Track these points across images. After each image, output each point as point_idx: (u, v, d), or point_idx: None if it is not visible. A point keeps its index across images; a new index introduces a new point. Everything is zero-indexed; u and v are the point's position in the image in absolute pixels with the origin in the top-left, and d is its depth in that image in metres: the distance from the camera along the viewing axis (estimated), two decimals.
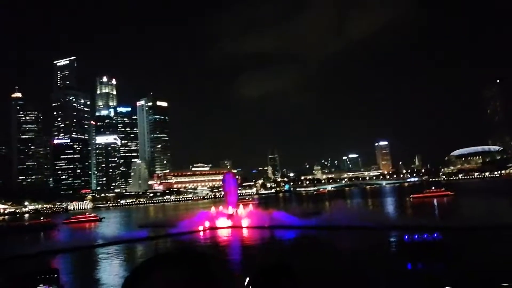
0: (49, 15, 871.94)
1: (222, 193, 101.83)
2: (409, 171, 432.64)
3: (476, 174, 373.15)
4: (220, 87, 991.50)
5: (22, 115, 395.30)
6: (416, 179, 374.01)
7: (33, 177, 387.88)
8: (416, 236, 37.77)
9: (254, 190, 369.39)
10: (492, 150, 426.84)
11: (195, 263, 1.57)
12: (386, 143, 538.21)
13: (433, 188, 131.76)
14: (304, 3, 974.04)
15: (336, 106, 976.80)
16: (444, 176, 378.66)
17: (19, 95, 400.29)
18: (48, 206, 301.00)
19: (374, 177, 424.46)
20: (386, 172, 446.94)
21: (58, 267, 42.16)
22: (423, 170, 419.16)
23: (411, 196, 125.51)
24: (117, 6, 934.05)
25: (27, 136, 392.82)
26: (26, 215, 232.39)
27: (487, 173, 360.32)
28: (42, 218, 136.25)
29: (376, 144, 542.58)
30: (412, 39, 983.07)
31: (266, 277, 2.07)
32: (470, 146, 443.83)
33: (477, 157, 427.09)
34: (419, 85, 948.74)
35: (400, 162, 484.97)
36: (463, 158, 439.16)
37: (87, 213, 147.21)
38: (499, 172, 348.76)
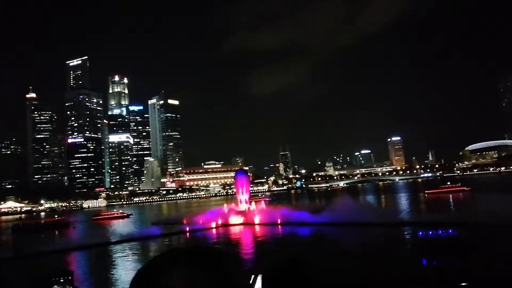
0: (59, 16, 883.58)
1: (234, 190, 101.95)
2: (422, 166, 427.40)
3: (491, 169, 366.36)
4: (231, 83, 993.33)
5: (37, 115, 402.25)
6: (430, 174, 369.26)
7: (49, 176, 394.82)
8: (430, 232, 37.26)
9: (266, 187, 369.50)
10: (508, 145, 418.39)
11: (207, 258, 1.57)
12: (399, 138, 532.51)
13: (449, 183, 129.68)
14: None
15: (347, 102, 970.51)
16: (458, 172, 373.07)
17: (33, 95, 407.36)
18: (63, 204, 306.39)
19: (387, 173, 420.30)
20: (399, 168, 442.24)
21: (72, 267, 42.77)
22: (437, 166, 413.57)
23: (426, 192, 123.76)
24: (128, 3, 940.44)
25: (42, 136, 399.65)
26: (43, 213, 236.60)
27: (503, 168, 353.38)
28: (56, 216, 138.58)
29: (389, 139, 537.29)
30: (425, 32, 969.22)
31: (276, 273, 2.04)
32: (486, 140, 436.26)
33: (493, 151, 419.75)
34: (432, 79, 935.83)
35: (414, 158, 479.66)
36: (478, 153, 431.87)
37: (115, 210, 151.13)
38: None
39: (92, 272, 40.09)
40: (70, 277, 14.08)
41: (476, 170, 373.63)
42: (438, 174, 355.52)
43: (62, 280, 13.89)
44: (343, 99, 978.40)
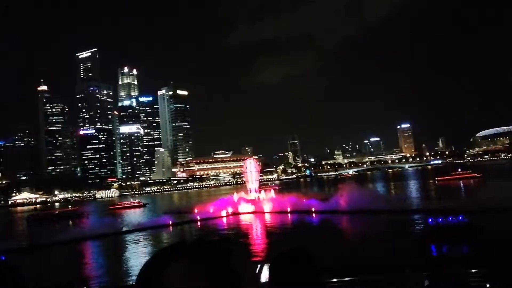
0: (68, 7, 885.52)
1: (244, 179, 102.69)
2: (432, 153, 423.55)
3: (503, 155, 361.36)
4: (239, 73, 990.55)
5: (49, 107, 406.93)
6: (439, 161, 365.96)
7: (62, 167, 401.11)
8: (440, 219, 37.23)
9: (275, 175, 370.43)
10: None
11: (212, 250, 1.58)
12: (408, 125, 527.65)
13: (459, 170, 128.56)
14: None
15: (356, 89, 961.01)
16: (469, 158, 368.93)
17: (45, 88, 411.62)
18: (76, 195, 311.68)
19: (397, 161, 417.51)
20: (408, 155, 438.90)
21: (86, 256, 43.82)
22: (447, 152, 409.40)
23: (436, 178, 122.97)
24: None
25: (54, 128, 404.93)
26: (57, 204, 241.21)
27: None
28: (70, 206, 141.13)
29: (398, 127, 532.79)
30: (434, 20, 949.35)
31: (282, 263, 2.06)
32: (496, 126, 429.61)
33: (504, 137, 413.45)
34: (441, 66, 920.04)
35: (423, 145, 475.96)
36: (489, 139, 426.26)
37: (132, 200, 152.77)
38: None
39: (105, 261, 41.06)
40: None
41: (487, 156, 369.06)
42: (448, 161, 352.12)
43: None
44: (350, 88, 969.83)
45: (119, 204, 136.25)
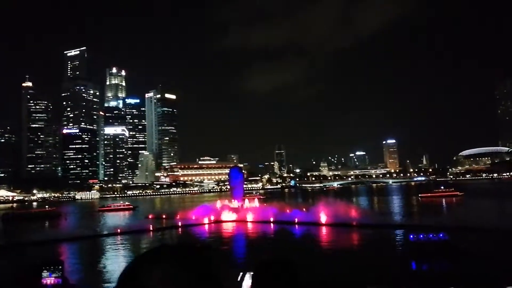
0: (59, 4, 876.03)
1: (228, 187, 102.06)
2: (416, 170, 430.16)
3: (484, 175, 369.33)
4: (229, 80, 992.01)
5: (32, 104, 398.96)
6: (423, 178, 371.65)
7: (42, 166, 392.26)
8: (421, 236, 37.32)
9: (260, 185, 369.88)
10: (501, 151, 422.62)
11: (194, 256, 1.57)
12: (394, 141, 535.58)
13: (442, 188, 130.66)
14: None
15: (343, 102, 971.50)
16: (451, 176, 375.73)
17: (29, 84, 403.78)
18: (56, 195, 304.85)
19: (381, 175, 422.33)
20: (393, 171, 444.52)
21: (63, 257, 42.52)
22: (430, 170, 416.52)
23: (419, 195, 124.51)
24: None
25: (36, 125, 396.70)
26: (35, 203, 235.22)
27: (495, 174, 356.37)
28: (47, 207, 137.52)
29: (384, 142, 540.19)
30: (422, 34, 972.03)
31: (266, 272, 2.04)
32: (479, 146, 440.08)
33: (486, 158, 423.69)
34: (428, 84, 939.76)
35: (408, 161, 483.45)
36: (472, 159, 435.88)
37: (121, 202, 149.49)
38: (508, 173, 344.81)
39: (81, 264, 39.86)
40: (60, 267, 13.96)
41: (469, 175, 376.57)
42: (431, 178, 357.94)
43: (52, 269, 13.77)
44: (339, 100, 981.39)
45: (108, 206, 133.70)
